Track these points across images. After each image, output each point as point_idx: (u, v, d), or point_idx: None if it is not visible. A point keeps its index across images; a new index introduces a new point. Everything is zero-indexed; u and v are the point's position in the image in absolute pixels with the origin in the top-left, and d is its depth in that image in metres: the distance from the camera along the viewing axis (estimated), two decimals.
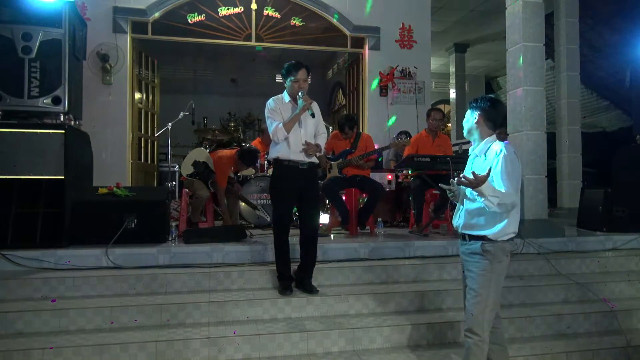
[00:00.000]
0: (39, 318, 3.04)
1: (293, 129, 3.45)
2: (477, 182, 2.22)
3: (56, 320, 3.06)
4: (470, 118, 2.53)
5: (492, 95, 2.61)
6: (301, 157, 3.48)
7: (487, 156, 2.43)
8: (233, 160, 5.07)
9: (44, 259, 3.62)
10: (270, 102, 3.56)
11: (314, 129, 3.61)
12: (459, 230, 2.54)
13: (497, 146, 2.40)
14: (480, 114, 2.48)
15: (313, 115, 3.52)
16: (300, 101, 3.44)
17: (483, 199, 2.26)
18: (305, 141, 3.47)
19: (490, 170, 2.28)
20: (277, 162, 3.53)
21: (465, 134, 2.60)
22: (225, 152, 5.21)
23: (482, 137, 2.50)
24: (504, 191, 2.27)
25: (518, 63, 4.73)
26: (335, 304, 3.40)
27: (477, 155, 2.52)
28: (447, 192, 2.58)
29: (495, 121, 2.49)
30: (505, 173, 2.31)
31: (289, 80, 3.52)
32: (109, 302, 3.21)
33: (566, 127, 7.45)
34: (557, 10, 7.44)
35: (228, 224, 4.89)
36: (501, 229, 2.38)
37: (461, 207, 2.53)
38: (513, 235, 2.45)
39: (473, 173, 2.24)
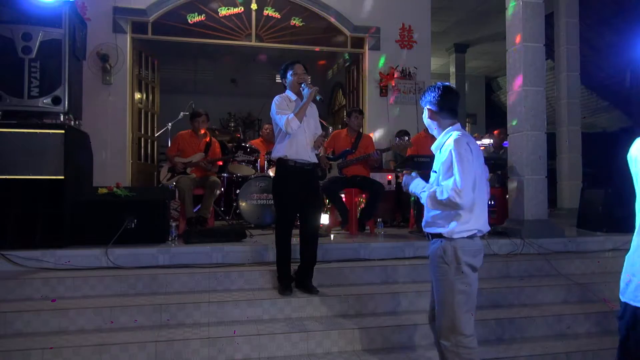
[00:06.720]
0: (39, 318, 3.04)
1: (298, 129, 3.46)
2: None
3: (56, 321, 3.05)
4: (424, 115, 2.39)
5: (439, 84, 2.37)
6: (307, 158, 3.50)
7: (442, 152, 2.27)
8: (187, 133, 5.54)
9: (43, 259, 3.62)
10: (277, 99, 3.56)
11: (314, 128, 3.63)
12: (423, 229, 2.38)
13: (450, 140, 2.22)
14: (428, 108, 2.35)
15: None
16: (305, 91, 3.46)
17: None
18: (317, 135, 3.59)
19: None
20: (282, 163, 3.51)
21: (431, 132, 2.47)
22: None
23: (442, 130, 2.34)
24: (443, 184, 2.16)
25: (518, 63, 4.73)
26: (335, 304, 3.40)
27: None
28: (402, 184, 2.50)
29: (450, 108, 2.32)
30: (458, 165, 2.13)
31: (288, 76, 3.56)
32: (108, 302, 3.21)
33: (566, 128, 7.45)
34: (557, 10, 7.44)
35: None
36: (457, 225, 2.19)
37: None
38: (475, 232, 2.23)
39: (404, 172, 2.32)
